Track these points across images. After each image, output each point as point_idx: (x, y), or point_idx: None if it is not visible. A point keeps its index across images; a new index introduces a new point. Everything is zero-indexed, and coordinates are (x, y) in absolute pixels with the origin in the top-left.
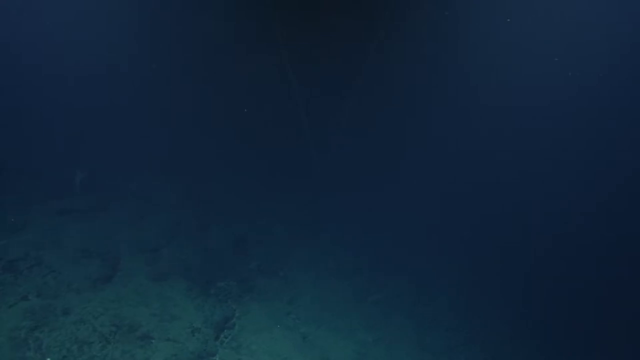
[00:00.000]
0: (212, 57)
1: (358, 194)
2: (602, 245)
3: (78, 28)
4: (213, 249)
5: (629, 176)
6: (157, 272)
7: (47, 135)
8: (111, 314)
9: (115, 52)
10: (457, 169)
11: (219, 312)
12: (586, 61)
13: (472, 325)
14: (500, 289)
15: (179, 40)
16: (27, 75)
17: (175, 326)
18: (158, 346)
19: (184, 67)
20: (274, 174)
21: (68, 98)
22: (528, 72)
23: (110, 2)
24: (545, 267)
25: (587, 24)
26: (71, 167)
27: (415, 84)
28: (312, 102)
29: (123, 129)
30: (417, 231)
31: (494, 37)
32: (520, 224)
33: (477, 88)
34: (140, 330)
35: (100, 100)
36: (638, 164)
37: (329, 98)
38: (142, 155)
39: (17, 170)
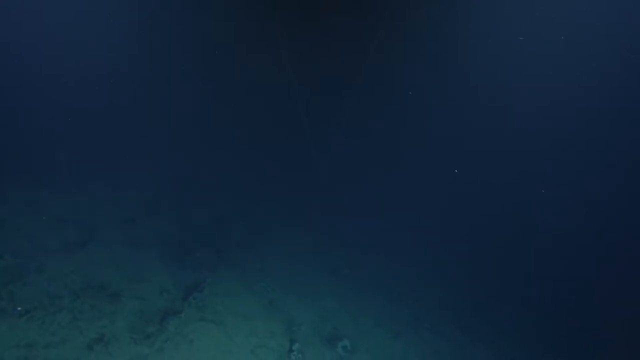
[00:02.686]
0: (212, 57)
1: (356, 193)
2: (601, 244)
3: (78, 28)
4: (194, 225)
5: (629, 176)
6: (133, 240)
7: (41, 129)
8: (83, 274)
9: (115, 52)
10: (457, 168)
11: (191, 277)
12: (586, 61)
13: (445, 300)
14: (483, 275)
15: (178, 40)
16: (26, 75)
17: (145, 287)
18: (126, 303)
19: (183, 67)
20: (272, 172)
21: (66, 97)
22: (528, 73)
23: (111, 3)
24: (543, 266)
25: (586, 24)
26: (57, 150)
27: (415, 84)
28: (312, 102)
29: (120, 124)
30: (414, 228)
31: (494, 37)
32: (520, 223)
33: (477, 88)
34: (111, 288)
35: (100, 99)
36: (637, 164)
37: (329, 98)
38: (137, 148)
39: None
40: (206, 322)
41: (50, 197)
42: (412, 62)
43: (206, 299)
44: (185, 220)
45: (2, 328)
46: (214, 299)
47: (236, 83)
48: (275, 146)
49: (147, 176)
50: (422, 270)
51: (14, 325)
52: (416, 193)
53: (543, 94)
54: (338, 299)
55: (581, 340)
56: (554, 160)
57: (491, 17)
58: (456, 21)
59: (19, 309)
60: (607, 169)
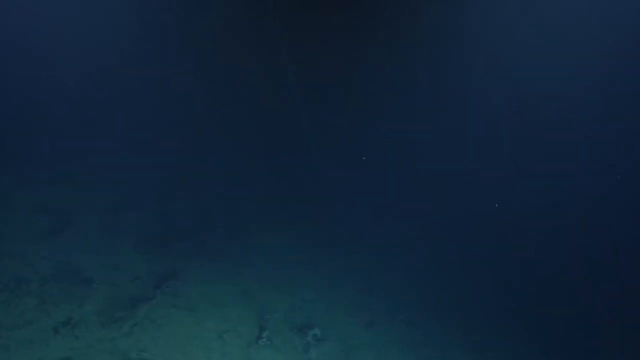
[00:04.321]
0: (212, 58)
1: (345, 190)
2: (596, 245)
3: (77, 29)
4: (177, 217)
5: (625, 177)
6: (111, 229)
7: (22, 116)
8: (56, 260)
9: (111, 46)
10: (455, 168)
11: (167, 266)
12: (587, 61)
13: (424, 293)
14: (468, 270)
15: (178, 41)
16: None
17: (118, 274)
18: (97, 289)
19: (182, 68)
20: (271, 172)
21: (51, 84)
22: (530, 74)
23: (111, 3)
24: (537, 264)
25: (589, 23)
26: (39, 138)
27: (416, 84)
28: (312, 102)
29: (107, 114)
30: (402, 225)
31: (496, 38)
32: (513, 220)
33: (477, 89)
34: (83, 274)
35: (87, 88)
36: (636, 164)
37: (329, 98)
38: (123, 139)
39: None
40: (177, 308)
41: (28, 185)
42: (413, 63)
43: (180, 287)
44: (167, 212)
45: None
46: (188, 286)
47: (232, 80)
48: (270, 143)
49: (131, 167)
50: (404, 264)
51: None
52: (406, 191)
53: (547, 97)
54: (315, 290)
55: (572, 342)
56: (552, 160)
57: (494, 16)
58: (458, 20)
59: None
60: (605, 168)
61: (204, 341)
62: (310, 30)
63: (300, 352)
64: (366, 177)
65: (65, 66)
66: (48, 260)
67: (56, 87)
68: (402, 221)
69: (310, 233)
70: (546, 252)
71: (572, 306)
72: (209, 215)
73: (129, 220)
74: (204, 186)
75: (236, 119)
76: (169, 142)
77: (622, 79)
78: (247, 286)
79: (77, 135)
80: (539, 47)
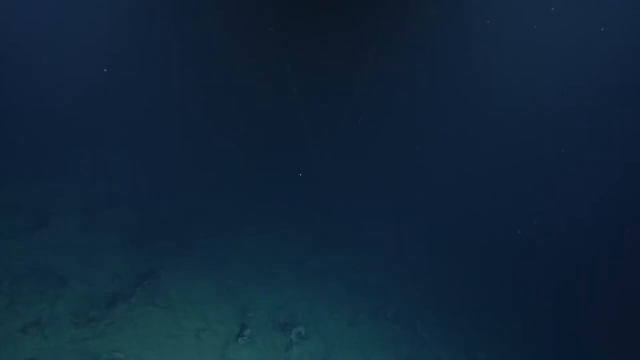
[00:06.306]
0: (210, 59)
1: (339, 191)
2: (582, 246)
3: (67, 25)
4: (160, 216)
5: (621, 179)
6: (91, 228)
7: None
8: (29, 259)
9: (104, 47)
10: (447, 169)
11: (148, 265)
12: (586, 61)
13: (410, 292)
14: (459, 271)
15: (177, 42)
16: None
17: (96, 272)
18: (73, 287)
19: (181, 69)
20: (270, 173)
21: (34, 80)
22: (532, 76)
23: (110, 6)
24: (529, 265)
25: (590, 22)
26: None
27: (416, 85)
28: (313, 103)
29: (93, 112)
30: (394, 224)
31: (498, 39)
32: (503, 224)
33: (477, 90)
34: (58, 273)
35: (73, 84)
36: (631, 165)
37: (330, 99)
38: (109, 138)
39: None
40: (155, 307)
41: (3, 181)
42: (414, 63)
43: (160, 285)
44: (151, 211)
45: None
46: (168, 285)
47: (225, 81)
48: (255, 143)
49: (114, 164)
50: (389, 263)
51: None
52: (393, 190)
53: (549, 100)
54: (299, 289)
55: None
56: (549, 160)
57: (494, 15)
58: (459, 21)
59: None
60: (600, 169)
61: (180, 340)
62: (310, 30)
63: (282, 351)
64: (353, 176)
65: (44, 61)
66: (21, 259)
67: (38, 82)
68: (389, 220)
69: (295, 231)
70: (533, 253)
71: (558, 306)
72: (191, 213)
73: (111, 218)
74: (187, 184)
75: (224, 117)
76: (152, 140)
77: (622, 79)
78: (230, 284)
79: (59, 131)
80: (540, 47)
